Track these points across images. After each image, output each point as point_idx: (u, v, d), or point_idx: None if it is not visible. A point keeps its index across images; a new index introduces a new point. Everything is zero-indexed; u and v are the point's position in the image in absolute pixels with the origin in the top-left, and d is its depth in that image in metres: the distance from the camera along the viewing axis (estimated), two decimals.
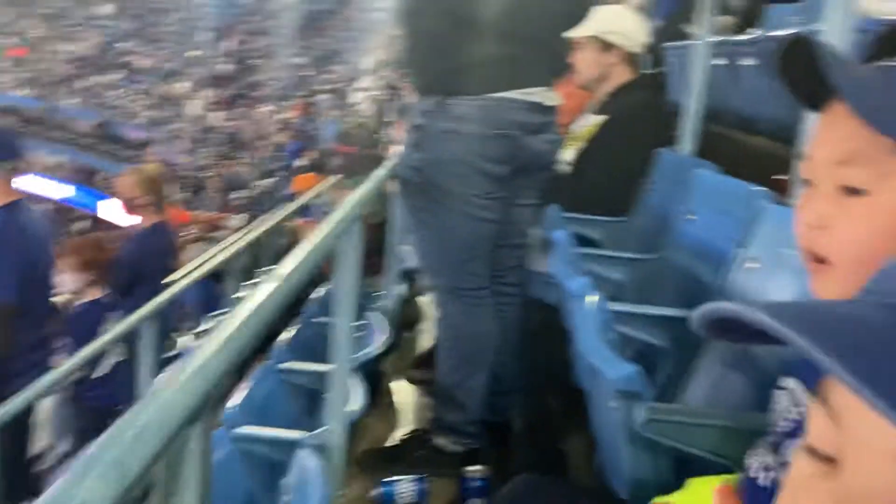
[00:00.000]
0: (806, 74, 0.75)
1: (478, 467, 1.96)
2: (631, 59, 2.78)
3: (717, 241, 1.78)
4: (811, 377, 0.81)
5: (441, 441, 2.15)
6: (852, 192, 0.74)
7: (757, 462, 0.84)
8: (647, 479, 1.19)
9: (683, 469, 1.30)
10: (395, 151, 2.71)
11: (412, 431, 2.27)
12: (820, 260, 0.77)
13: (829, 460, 0.39)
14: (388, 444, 2.26)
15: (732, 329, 0.41)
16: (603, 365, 1.23)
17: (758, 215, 1.61)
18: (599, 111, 2.72)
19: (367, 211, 1.94)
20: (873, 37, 1.52)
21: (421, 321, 3.37)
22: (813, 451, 0.40)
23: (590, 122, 2.71)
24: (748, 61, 2.86)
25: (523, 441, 2.26)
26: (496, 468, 1.97)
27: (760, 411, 1.18)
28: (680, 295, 1.88)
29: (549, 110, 2.09)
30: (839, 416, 0.38)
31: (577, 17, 2.15)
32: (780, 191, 1.74)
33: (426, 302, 3.44)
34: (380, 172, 2.36)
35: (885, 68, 0.76)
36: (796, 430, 0.80)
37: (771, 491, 0.80)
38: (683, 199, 2.07)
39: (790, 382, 0.85)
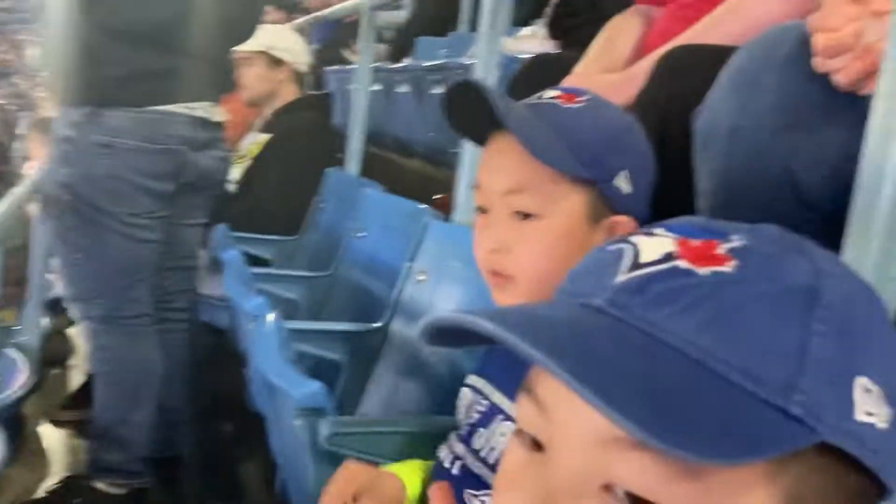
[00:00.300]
0: (469, 112, 0.83)
1: None
2: (297, 77, 2.81)
3: (388, 257, 1.86)
4: (497, 373, 0.88)
5: (101, 484, 1.95)
6: (525, 216, 0.82)
7: (448, 453, 0.89)
8: None
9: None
10: (36, 167, 2.42)
11: (65, 478, 2.03)
12: (502, 276, 0.84)
13: (538, 447, 0.41)
14: (38, 495, 1.99)
15: (451, 335, 0.42)
16: (286, 384, 1.20)
17: (424, 231, 1.71)
18: (265, 129, 2.70)
19: (3, 234, 1.71)
20: (515, 73, 1.71)
21: (70, 356, 3.05)
22: (524, 439, 0.42)
23: (256, 140, 2.68)
24: (403, 88, 3.04)
25: (196, 474, 2.14)
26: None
27: (436, 413, 1.26)
28: (354, 310, 1.93)
29: (215, 126, 2.01)
30: (545, 406, 0.40)
31: (242, 33, 2.11)
32: (440, 209, 1.87)
33: (76, 334, 3.12)
34: (17, 191, 2.10)
35: (532, 105, 0.86)
36: (483, 420, 0.86)
37: (460, 478, 0.84)
38: (353, 217, 2.12)
39: (476, 380, 0.91)
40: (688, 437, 0.33)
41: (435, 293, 1.59)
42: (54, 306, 3.09)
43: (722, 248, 0.39)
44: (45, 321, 3.04)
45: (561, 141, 0.81)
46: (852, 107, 0.83)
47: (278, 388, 1.28)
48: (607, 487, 0.37)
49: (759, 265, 0.39)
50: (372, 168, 2.62)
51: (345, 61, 3.92)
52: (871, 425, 0.37)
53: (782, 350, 0.36)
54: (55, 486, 1.99)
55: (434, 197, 2.42)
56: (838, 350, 0.37)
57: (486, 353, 0.93)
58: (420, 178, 3.18)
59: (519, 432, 0.42)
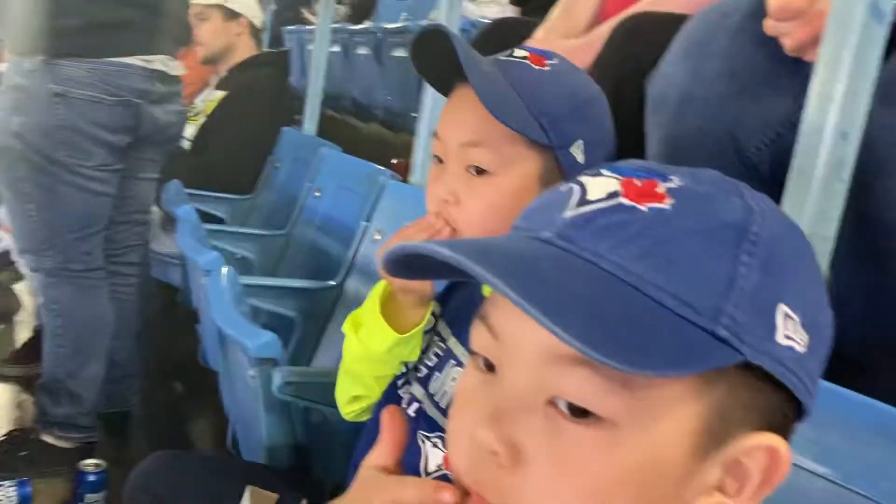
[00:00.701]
0: (438, 60, 0.83)
1: (93, 461, 1.80)
2: (254, 33, 2.77)
3: (344, 217, 1.87)
4: (453, 319, 0.90)
5: (49, 438, 1.94)
6: (479, 171, 0.83)
7: (406, 395, 0.91)
8: (283, 444, 1.21)
9: (316, 432, 1.35)
10: None
11: (9, 432, 2.01)
12: (448, 227, 0.85)
13: (490, 369, 0.44)
14: None
15: (412, 267, 0.45)
16: (239, 334, 1.21)
17: (381, 191, 1.72)
18: (221, 86, 2.67)
19: None
20: (474, 37, 1.72)
21: (17, 311, 3.00)
22: (477, 361, 0.45)
23: (211, 97, 2.65)
24: (362, 51, 3.03)
25: (145, 428, 2.14)
26: (115, 460, 1.84)
27: None
28: (309, 268, 1.94)
29: (172, 80, 1.99)
30: (497, 331, 0.44)
31: None
32: (398, 173, 1.88)
33: (22, 289, 3.07)
34: None
35: (500, 61, 0.86)
36: (439, 364, 0.88)
37: (415, 420, 0.87)
38: (309, 177, 2.12)
39: (435, 307, 0.92)
40: (622, 351, 0.36)
41: None
42: (1, 261, 3.05)
43: (662, 188, 0.43)
44: None
45: (522, 101, 0.81)
46: (796, 75, 0.86)
47: (231, 339, 1.29)
48: (551, 401, 0.41)
49: (694, 203, 0.42)
50: (329, 131, 2.61)
51: (304, 21, 3.88)
52: (791, 348, 0.41)
53: (712, 279, 0.40)
54: (1, 438, 1.97)
55: (392, 161, 2.43)
56: (762, 280, 0.40)
57: (443, 295, 0.94)
58: (378, 142, 3.18)
59: (473, 356, 0.45)
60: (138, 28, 1.88)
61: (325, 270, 1.80)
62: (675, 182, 0.43)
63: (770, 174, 0.94)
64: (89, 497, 1.78)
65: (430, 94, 1.68)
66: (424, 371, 0.89)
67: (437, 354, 0.89)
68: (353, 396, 0.98)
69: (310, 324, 1.69)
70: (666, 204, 0.42)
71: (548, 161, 0.83)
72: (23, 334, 2.67)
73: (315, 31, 2.63)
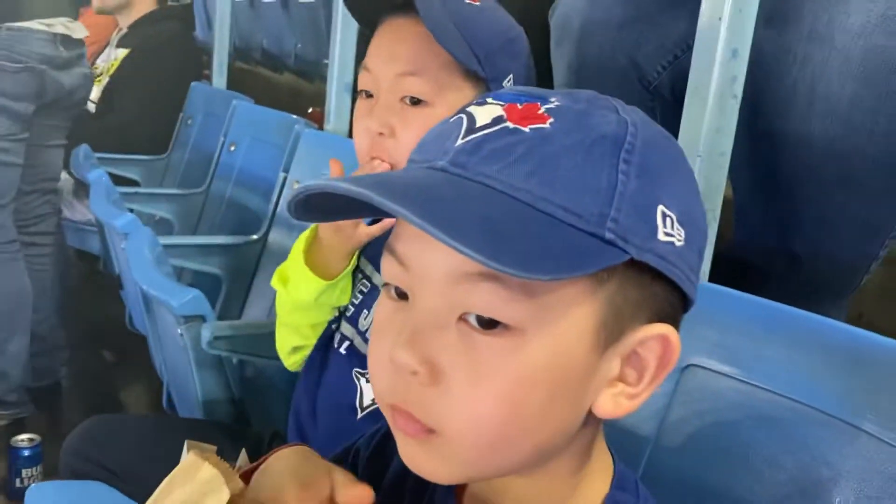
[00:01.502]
0: None
1: (26, 436, 1.78)
2: None
3: (261, 169, 1.85)
4: (376, 256, 0.91)
5: None
6: (415, 102, 0.83)
7: (337, 335, 0.92)
8: (218, 399, 1.22)
9: (251, 385, 1.36)
10: None
11: None
12: (382, 162, 0.85)
13: (403, 297, 0.46)
14: None
15: (317, 209, 0.47)
16: (164, 294, 1.20)
17: (297, 141, 1.70)
18: (123, 43, 2.57)
19: None
20: None
21: None
22: (390, 292, 0.47)
23: (114, 56, 2.55)
24: None
25: (77, 399, 2.11)
26: (49, 434, 1.82)
27: None
28: (230, 224, 1.91)
29: (76, 43, 1.93)
30: (405, 260, 0.46)
31: None
32: (315, 121, 1.86)
33: None
34: None
35: None
36: (366, 300, 0.89)
37: (348, 358, 0.89)
38: (223, 132, 2.08)
39: (361, 261, 0.94)
40: (520, 260, 0.39)
41: None
42: None
43: (542, 109, 0.45)
44: None
45: (461, 33, 0.82)
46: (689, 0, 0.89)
47: (156, 300, 1.28)
48: (462, 318, 0.44)
49: (572, 120, 0.44)
50: (242, 85, 2.55)
51: None
52: (671, 244, 0.44)
53: (594, 188, 0.43)
54: None
55: (309, 111, 2.40)
56: (640, 185, 0.43)
57: (377, 239, 0.95)
58: (292, 92, 3.11)
59: (386, 286, 0.48)
60: None
61: (247, 225, 1.78)
62: (553, 103, 0.45)
63: (672, 97, 0.97)
64: (25, 472, 1.75)
65: (338, 39, 1.66)
66: (352, 310, 0.91)
67: (361, 292, 0.91)
68: (292, 347, 0.99)
69: (236, 280, 1.68)
70: (546, 124, 0.44)
71: (480, 94, 0.83)
72: None
73: None
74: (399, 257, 0.46)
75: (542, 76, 1.07)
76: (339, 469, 0.53)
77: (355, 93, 1.68)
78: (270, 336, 1.19)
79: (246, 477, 0.57)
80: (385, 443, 0.59)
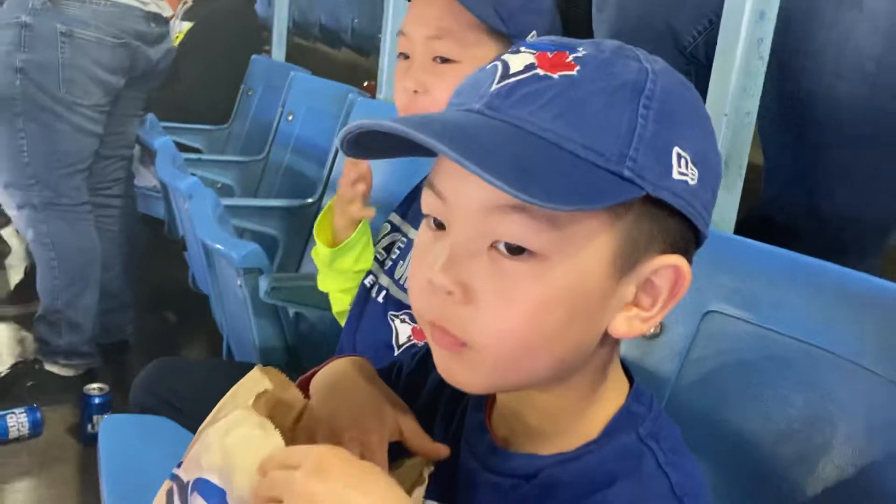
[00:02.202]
0: None
1: (97, 385, 1.90)
2: None
3: (317, 137, 1.93)
4: (412, 213, 0.98)
5: (53, 367, 2.03)
6: (444, 61, 0.89)
7: (374, 282, 1.00)
8: (274, 346, 1.30)
9: (305, 336, 1.44)
10: None
11: (13, 365, 2.10)
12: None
13: (441, 227, 0.52)
14: None
15: (366, 147, 0.52)
16: (226, 248, 1.29)
17: (350, 109, 1.77)
18: (187, 17, 2.67)
19: None
20: None
21: (6, 256, 3.05)
22: (430, 222, 0.53)
23: (179, 29, 2.66)
24: None
25: (143, 354, 2.23)
26: (116, 386, 1.94)
27: None
28: (288, 189, 2.00)
29: (163, 21, 2.06)
30: (443, 194, 0.51)
31: None
32: (371, 94, 1.92)
33: (10, 234, 3.12)
34: None
35: None
36: (402, 254, 0.96)
37: (384, 304, 0.96)
38: (281, 102, 2.17)
39: (395, 217, 1.01)
40: (545, 192, 0.44)
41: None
42: None
43: (570, 58, 0.49)
44: None
45: None
46: None
47: (218, 254, 1.36)
48: (493, 245, 0.49)
49: (598, 68, 0.49)
50: (300, 60, 2.63)
51: None
52: (685, 182, 0.48)
53: (616, 130, 0.47)
54: (6, 371, 2.05)
55: (364, 84, 2.47)
56: (658, 128, 0.48)
57: (409, 196, 1.02)
58: (348, 67, 3.19)
59: (426, 217, 0.53)
60: None
61: (304, 190, 1.86)
62: (580, 52, 0.49)
63: (707, 61, 1.01)
64: (96, 418, 1.88)
65: (391, 9, 1.72)
66: (389, 263, 0.98)
67: (398, 248, 0.98)
68: (337, 312, 1.10)
69: (292, 240, 1.76)
70: (574, 71, 0.48)
71: (505, 50, 0.89)
72: (16, 277, 2.73)
73: None
74: (438, 191, 0.51)
75: None
76: (407, 416, 0.59)
77: None
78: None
79: (304, 384, 0.63)
80: (424, 361, 0.65)
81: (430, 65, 0.90)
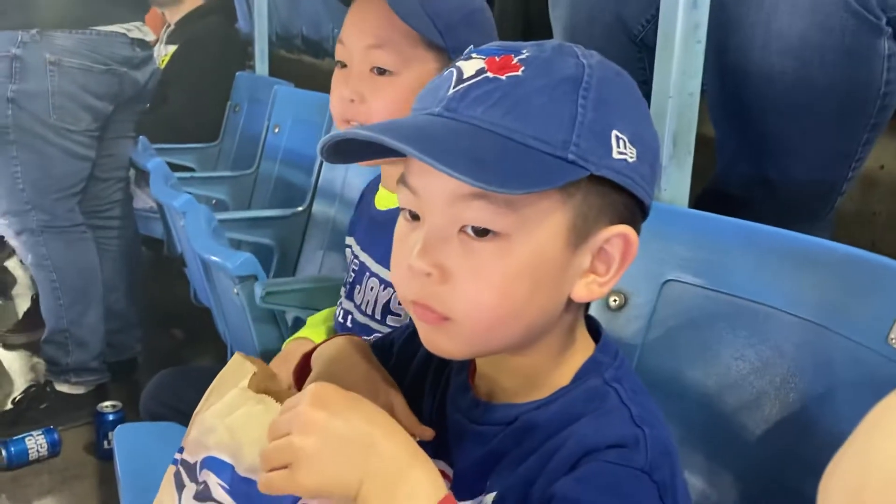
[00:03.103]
0: None
1: (110, 402, 1.96)
2: None
3: (303, 148, 1.99)
4: (361, 235, 1.03)
5: (65, 387, 2.10)
6: (381, 72, 0.92)
7: (340, 309, 1.05)
8: (274, 349, 1.35)
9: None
10: None
11: (26, 389, 2.16)
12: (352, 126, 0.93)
13: (415, 218, 0.58)
14: (5, 408, 2.13)
15: (342, 153, 0.59)
16: (222, 259, 1.34)
17: (332, 119, 1.83)
18: (171, 40, 2.73)
19: None
20: None
21: (13, 286, 3.12)
22: (405, 214, 0.59)
23: (164, 52, 2.72)
24: None
25: (152, 371, 2.28)
26: (129, 403, 1.99)
27: None
28: (279, 200, 2.06)
29: (147, 45, 2.13)
30: (414, 188, 0.57)
31: None
32: None
33: (14, 265, 3.18)
34: None
35: None
36: (357, 277, 1.00)
37: (352, 329, 1.00)
38: (267, 116, 2.23)
39: (350, 240, 1.06)
40: (499, 179, 0.51)
41: (348, 173, 1.73)
42: None
43: (515, 60, 0.56)
44: None
45: (422, 7, 0.90)
46: None
47: (215, 266, 1.42)
48: (462, 229, 0.55)
49: (539, 66, 0.55)
50: (286, 72, 2.69)
51: None
52: (624, 160, 0.55)
53: (559, 120, 0.54)
54: (20, 395, 2.12)
55: None
56: (596, 115, 0.54)
57: (353, 216, 1.08)
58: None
59: (402, 210, 0.59)
60: None
61: (294, 199, 1.93)
62: (524, 54, 0.56)
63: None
64: (111, 435, 1.94)
65: None
66: (348, 287, 1.03)
67: (353, 270, 1.02)
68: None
69: (286, 248, 1.83)
70: (519, 72, 0.55)
71: (443, 64, 0.92)
72: (23, 305, 2.80)
73: None
74: (410, 187, 0.57)
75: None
76: (398, 394, 0.66)
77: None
78: (318, 291, 1.34)
79: (307, 359, 0.69)
80: (414, 335, 0.71)
81: (368, 75, 0.92)
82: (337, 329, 1.06)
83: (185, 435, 0.64)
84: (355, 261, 1.03)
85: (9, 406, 2.12)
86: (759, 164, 0.98)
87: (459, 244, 0.55)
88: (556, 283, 0.57)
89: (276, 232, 1.83)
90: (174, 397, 1.25)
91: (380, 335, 0.89)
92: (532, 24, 1.08)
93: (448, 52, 0.92)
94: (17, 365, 2.48)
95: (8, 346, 2.57)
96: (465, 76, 0.56)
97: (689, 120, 0.89)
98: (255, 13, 2.58)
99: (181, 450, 0.64)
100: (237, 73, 2.66)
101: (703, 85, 0.89)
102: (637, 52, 1.07)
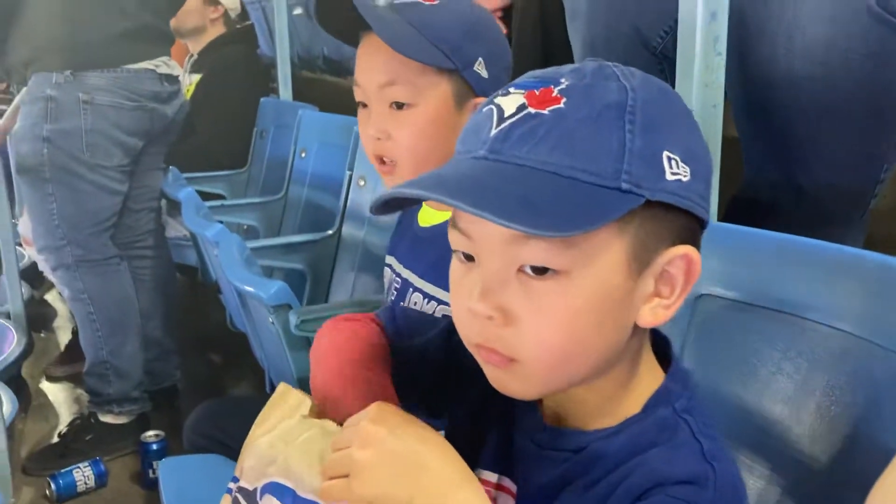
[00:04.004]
0: (340, 15, 0.92)
1: (153, 432, 1.99)
2: (227, 21, 2.87)
3: (330, 170, 2.00)
4: (402, 253, 1.04)
5: (108, 417, 2.13)
6: (399, 106, 0.93)
7: None
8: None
9: None
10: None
11: (71, 422, 2.20)
12: (386, 163, 0.96)
13: (469, 259, 0.58)
14: (52, 441, 2.17)
15: (392, 205, 0.58)
16: (255, 288, 1.36)
17: (357, 140, 1.85)
18: (195, 69, 2.77)
19: None
20: None
21: (54, 319, 3.18)
22: (459, 256, 0.58)
23: (189, 82, 2.76)
24: None
25: (192, 397, 2.32)
26: (170, 431, 2.02)
27: None
28: (308, 224, 2.08)
29: (174, 79, 2.18)
30: (467, 232, 0.56)
31: None
32: None
33: (55, 298, 3.25)
34: None
35: (394, 5, 0.95)
36: (399, 295, 1.01)
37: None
38: (293, 140, 2.25)
39: (390, 259, 1.07)
40: (553, 222, 0.50)
41: (375, 194, 1.74)
42: (31, 275, 3.22)
43: (555, 91, 0.54)
44: (25, 289, 3.16)
45: (422, 35, 0.90)
46: None
47: (249, 296, 1.44)
48: (520, 269, 0.54)
49: (581, 95, 0.54)
50: (310, 93, 2.72)
51: None
52: (678, 180, 0.54)
53: (608, 149, 0.52)
54: (65, 429, 2.16)
55: None
56: (644, 139, 0.53)
57: (394, 236, 1.08)
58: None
59: (455, 252, 0.59)
60: (146, 35, 2.08)
61: (323, 222, 1.94)
62: (563, 83, 0.54)
63: (676, 58, 1.06)
64: (156, 464, 1.97)
65: None
66: (389, 304, 1.03)
67: (395, 288, 1.03)
68: None
69: (318, 272, 1.84)
70: (561, 104, 0.53)
71: (457, 82, 0.93)
72: (64, 338, 2.85)
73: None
74: (462, 231, 0.57)
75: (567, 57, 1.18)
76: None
77: None
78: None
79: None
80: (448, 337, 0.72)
81: (388, 112, 0.93)
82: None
83: (238, 464, 0.66)
84: (397, 279, 1.03)
85: (55, 439, 2.16)
86: (788, 170, 0.97)
87: (519, 285, 0.54)
88: (622, 313, 0.56)
89: (308, 256, 1.84)
90: (215, 428, 1.26)
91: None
92: (550, 56, 1.08)
93: (460, 72, 0.93)
94: (61, 397, 2.52)
95: (52, 379, 2.62)
96: (506, 114, 0.54)
97: (714, 132, 0.88)
98: (277, 39, 2.61)
99: (236, 479, 0.65)
100: (262, 99, 2.69)
101: (724, 93, 0.88)
102: (657, 63, 1.07)
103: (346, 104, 2.51)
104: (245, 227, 2.34)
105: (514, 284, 0.54)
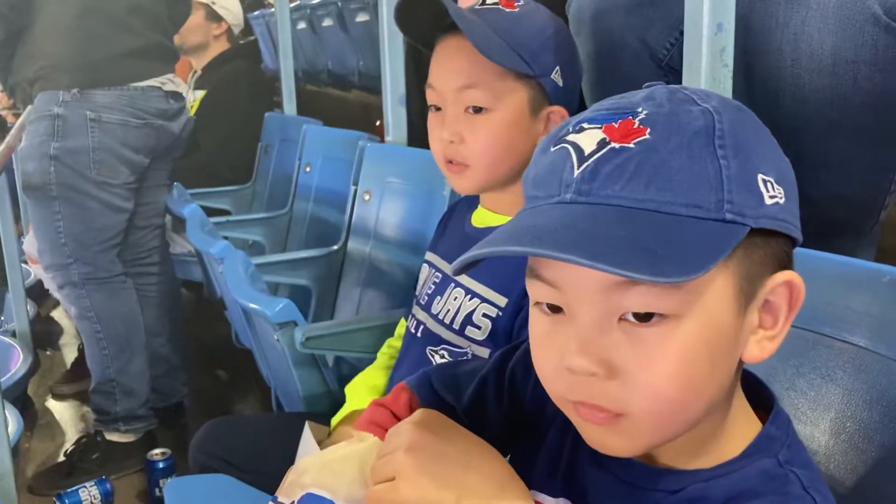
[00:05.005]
0: (417, 19, 0.95)
1: (159, 450, 1.98)
2: (230, 37, 2.89)
3: (335, 185, 2.00)
4: (446, 250, 1.04)
5: (114, 436, 2.12)
6: (477, 110, 0.94)
7: (412, 320, 1.06)
8: (317, 393, 1.36)
9: (344, 378, 1.50)
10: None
11: (78, 440, 2.20)
12: (458, 164, 0.96)
13: (556, 310, 0.53)
14: (59, 460, 2.16)
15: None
16: (260, 305, 1.35)
17: (361, 155, 1.84)
18: (199, 85, 2.78)
19: None
20: None
21: (60, 337, 3.18)
22: (542, 309, 0.54)
23: (193, 98, 2.77)
24: (327, 22, 3.12)
25: (199, 414, 2.31)
26: (177, 448, 2.01)
27: (397, 308, 1.42)
28: (313, 239, 2.08)
29: (180, 96, 2.19)
30: (554, 282, 0.52)
31: (183, 12, 2.28)
32: (380, 134, 2.00)
33: (61, 316, 3.25)
34: None
35: (476, 10, 0.97)
36: (438, 289, 1.02)
37: (422, 339, 1.01)
38: (298, 155, 2.25)
39: (431, 256, 1.07)
40: (676, 267, 0.46)
41: (380, 209, 1.74)
42: (37, 293, 3.22)
43: (636, 122, 0.50)
44: (31, 306, 3.16)
45: (503, 41, 0.92)
46: None
47: (254, 313, 1.43)
48: (622, 318, 0.50)
49: (665, 124, 0.50)
50: (314, 106, 2.73)
51: (267, 5, 3.96)
52: (777, 203, 0.51)
53: (705, 179, 0.49)
54: (72, 447, 2.15)
55: (377, 123, 2.54)
56: (740, 163, 0.50)
57: (437, 233, 1.08)
58: (362, 107, 3.28)
59: (536, 304, 0.55)
60: (152, 53, 2.09)
61: (328, 237, 1.93)
62: (642, 113, 0.51)
63: (681, 71, 1.05)
64: (162, 482, 1.96)
65: (387, 55, 1.79)
66: (426, 298, 1.03)
67: (434, 283, 1.03)
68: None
69: (323, 287, 1.83)
70: (646, 135, 0.50)
71: (533, 90, 0.94)
72: (70, 356, 2.84)
73: (276, 13, 2.73)
74: (548, 281, 0.52)
75: None
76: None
77: (409, 104, 1.81)
78: (357, 332, 1.34)
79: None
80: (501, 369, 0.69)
81: (463, 115, 0.95)
82: (406, 339, 1.08)
83: (280, 488, 0.65)
84: (437, 273, 1.04)
85: (62, 458, 2.15)
86: (799, 183, 0.96)
87: (622, 333, 0.50)
88: (731, 351, 0.52)
89: (313, 272, 1.83)
90: (222, 448, 1.25)
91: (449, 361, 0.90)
92: None
93: (537, 79, 0.94)
94: (67, 415, 2.52)
95: (58, 397, 2.61)
96: (586, 152, 0.50)
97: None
98: (281, 54, 2.61)
99: (275, 498, 0.65)
100: (266, 114, 2.69)
101: None
102: (663, 75, 1.06)
103: (349, 117, 2.53)
104: (250, 242, 2.34)
105: (617, 334, 0.50)
